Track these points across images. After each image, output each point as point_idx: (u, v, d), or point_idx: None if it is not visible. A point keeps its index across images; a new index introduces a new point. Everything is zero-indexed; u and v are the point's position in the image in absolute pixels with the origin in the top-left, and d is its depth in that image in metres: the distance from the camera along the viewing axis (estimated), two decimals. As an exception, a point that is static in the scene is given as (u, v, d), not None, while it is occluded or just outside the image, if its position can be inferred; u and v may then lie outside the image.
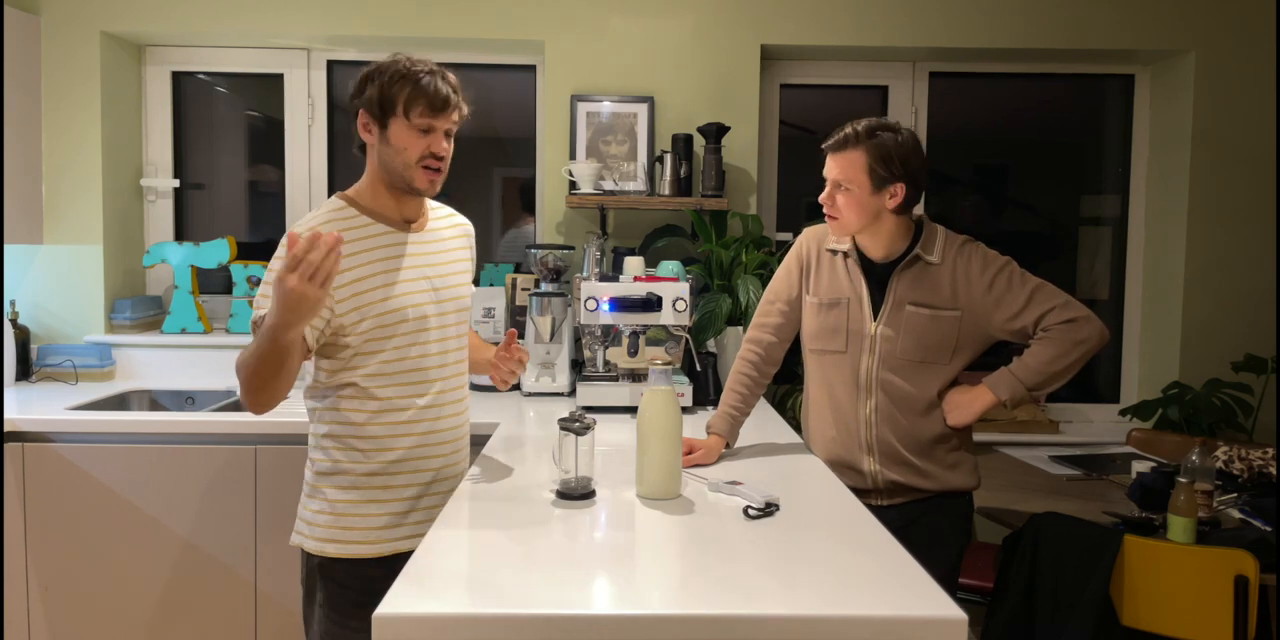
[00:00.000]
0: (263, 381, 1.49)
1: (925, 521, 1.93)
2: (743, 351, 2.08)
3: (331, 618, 1.64)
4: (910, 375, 1.90)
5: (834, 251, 1.98)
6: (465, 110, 1.67)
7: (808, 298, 2.01)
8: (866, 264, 1.94)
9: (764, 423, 2.28)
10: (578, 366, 2.74)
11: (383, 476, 1.66)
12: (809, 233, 2.06)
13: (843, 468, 1.94)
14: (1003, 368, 1.89)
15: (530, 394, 2.66)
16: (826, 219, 1.91)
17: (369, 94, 1.61)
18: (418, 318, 1.65)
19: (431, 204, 1.81)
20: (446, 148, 1.65)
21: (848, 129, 1.84)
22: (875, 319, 1.91)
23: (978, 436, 2.92)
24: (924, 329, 1.87)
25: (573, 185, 2.87)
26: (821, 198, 1.89)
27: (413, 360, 1.66)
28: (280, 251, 1.59)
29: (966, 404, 1.89)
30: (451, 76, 1.65)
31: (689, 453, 1.81)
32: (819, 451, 1.99)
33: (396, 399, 1.65)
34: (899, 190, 1.82)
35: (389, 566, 1.49)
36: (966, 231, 1.96)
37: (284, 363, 1.47)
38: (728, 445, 1.94)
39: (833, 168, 1.85)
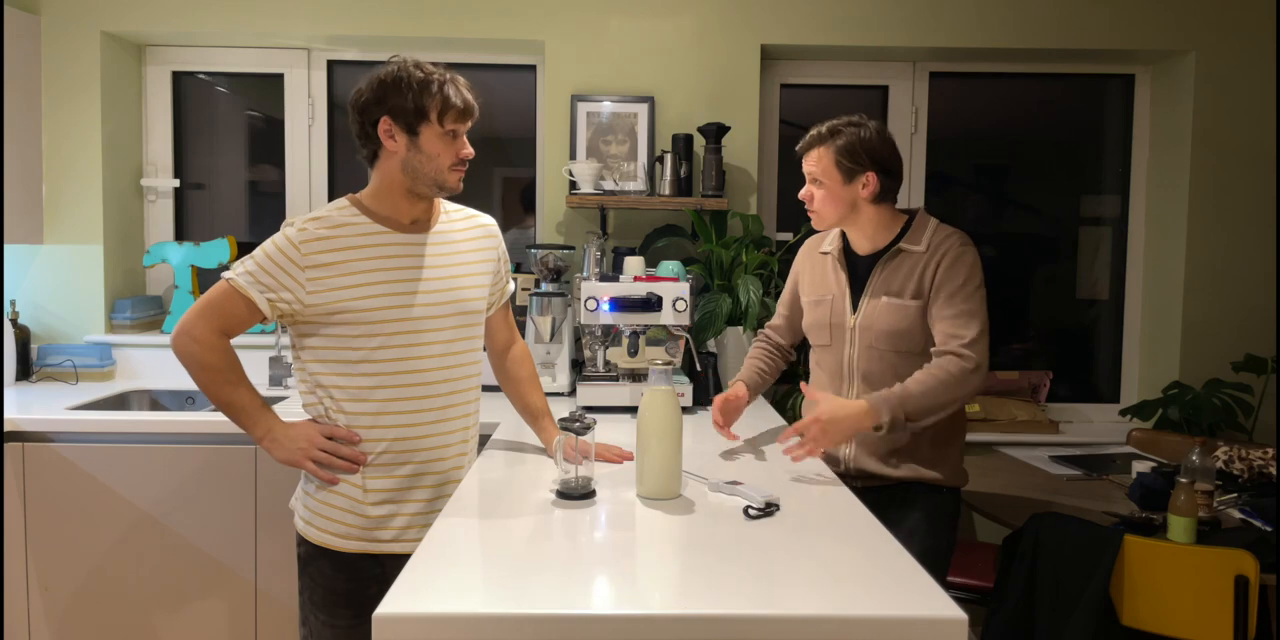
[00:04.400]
0: (209, 397, 1.67)
1: (897, 510, 1.95)
2: (756, 341, 2.28)
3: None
4: (888, 365, 1.94)
5: (825, 253, 2.11)
6: None
7: (803, 298, 2.14)
8: (853, 259, 2.04)
9: (764, 422, 2.28)
10: (578, 366, 2.74)
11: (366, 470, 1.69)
12: (806, 244, 2.21)
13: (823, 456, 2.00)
14: (886, 391, 1.81)
15: (530, 394, 2.65)
16: (810, 216, 2.03)
17: (396, 103, 1.61)
18: (404, 320, 1.66)
19: (449, 205, 1.83)
20: (472, 150, 1.71)
21: (814, 130, 1.96)
22: (854, 312, 1.99)
23: (978, 436, 2.95)
24: (893, 318, 1.93)
25: (573, 185, 2.87)
26: (801, 194, 2.00)
27: (394, 363, 1.66)
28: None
29: (844, 422, 1.77)
30: (462, 79, 1.69)
31: (724, 402, 2.00)
32: None
33: (387, 399, 1.68)
34: (870, 179, 1.92)
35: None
36: (967, 232, 1.97)
37: (228, 414, 1.68)
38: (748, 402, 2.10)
39: (806, 166, 1.97)
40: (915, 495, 1.97)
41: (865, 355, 1.97)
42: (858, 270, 2.02)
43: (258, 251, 1.65)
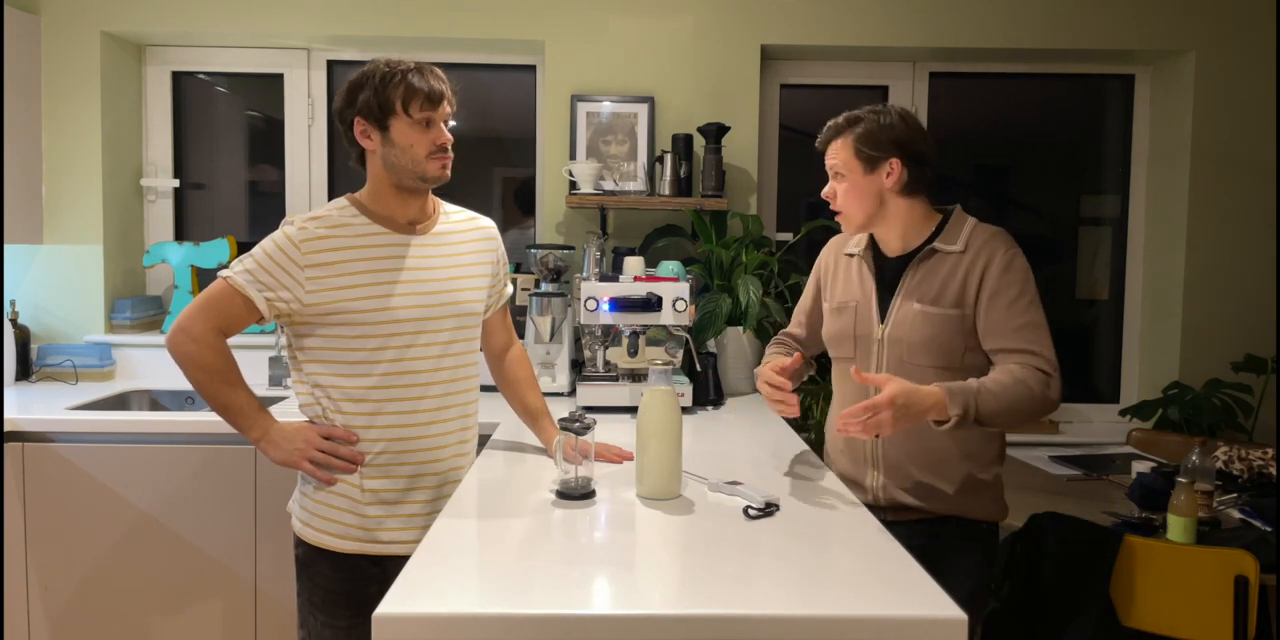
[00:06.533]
0: (205, 397, 1.65)
1: (931, 547, 1.61)
2: (773, 342, 2.07)
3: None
4: (921, 382, 1.63)
5: (851, 255, 1.91)
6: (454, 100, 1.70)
7: (825, 304, 1.94)
8: (881, 261, 1.83)
9: (764, 423, 2.28)
10: (578, 366, 2.74)
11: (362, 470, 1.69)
12: (830, 243, 2.01)
13: (848, 482, 1.80)
14: (962, 382, 1.61)
15: (530, 394, 2.65)
16: (837, 218, 1.84)
17: (363, 101, 1.62)
18: (402, 320, 1.65)
19: (449, 207, 1.81)
20: (449, 136, 1.68)
21: (832, 121, 1.81)
22: (882, 321, 1.79)
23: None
24: (928, 329, 1.72)
25: (573, 185, 2.87)
26: (824, 193, 1.82)
27: (391, 364, 1.65)
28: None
29: (917, 407, 1.54)
30: (436, 69, 1.67)
31: (772, 373, 1.77)
32: (831, 466, 1.89)
33: (384, 400, 1.67)
34: (894, 167, 1.74)
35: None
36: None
37: (224, 415, 1.67)
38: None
39: (828, 159, 1.81)
40: (952, 532, 1.76)
41: (895, 371, 1.70)
42: (886, 274, 1.81)
43: (256, 250, 1.63)
